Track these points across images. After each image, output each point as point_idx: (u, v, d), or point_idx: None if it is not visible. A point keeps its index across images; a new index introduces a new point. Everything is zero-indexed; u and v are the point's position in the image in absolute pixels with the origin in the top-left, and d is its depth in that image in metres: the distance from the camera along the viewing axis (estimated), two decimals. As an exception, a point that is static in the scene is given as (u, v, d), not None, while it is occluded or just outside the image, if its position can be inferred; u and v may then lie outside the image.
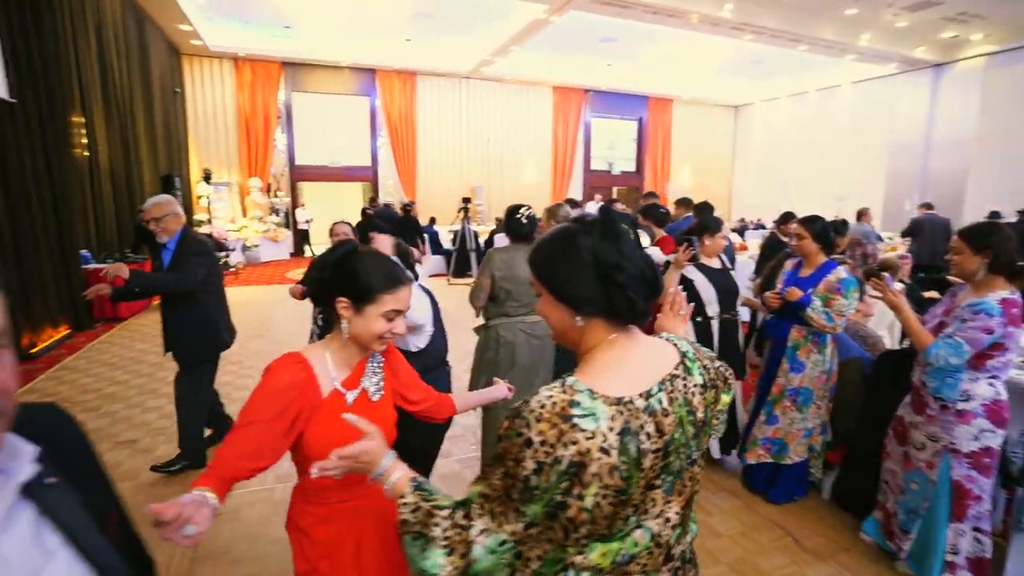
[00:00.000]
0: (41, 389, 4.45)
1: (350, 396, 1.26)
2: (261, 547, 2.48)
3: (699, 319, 2.95)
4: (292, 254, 12.94)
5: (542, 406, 0.85)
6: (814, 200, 13.44)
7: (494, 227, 10.91)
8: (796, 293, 2.68)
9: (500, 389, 1.59)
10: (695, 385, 0.96)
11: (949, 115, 12.02)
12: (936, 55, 11.75)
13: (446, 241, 11.09)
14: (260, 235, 12.13)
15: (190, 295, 2.91)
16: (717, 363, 1.04)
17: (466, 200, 10.61)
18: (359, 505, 1.28)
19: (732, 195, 17.99)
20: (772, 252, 5.16)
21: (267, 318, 6.98)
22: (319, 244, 11.99)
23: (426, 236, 10.29)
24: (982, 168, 11.43)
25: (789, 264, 2.95)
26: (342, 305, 1.22)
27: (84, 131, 6.59)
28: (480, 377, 2.81)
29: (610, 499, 0.84)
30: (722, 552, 2.50)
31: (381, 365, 1.36)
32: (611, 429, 0.83)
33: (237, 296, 7.96)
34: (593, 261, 0.90)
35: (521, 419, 0.86)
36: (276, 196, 13.06)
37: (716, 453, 3.28)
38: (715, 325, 2.98)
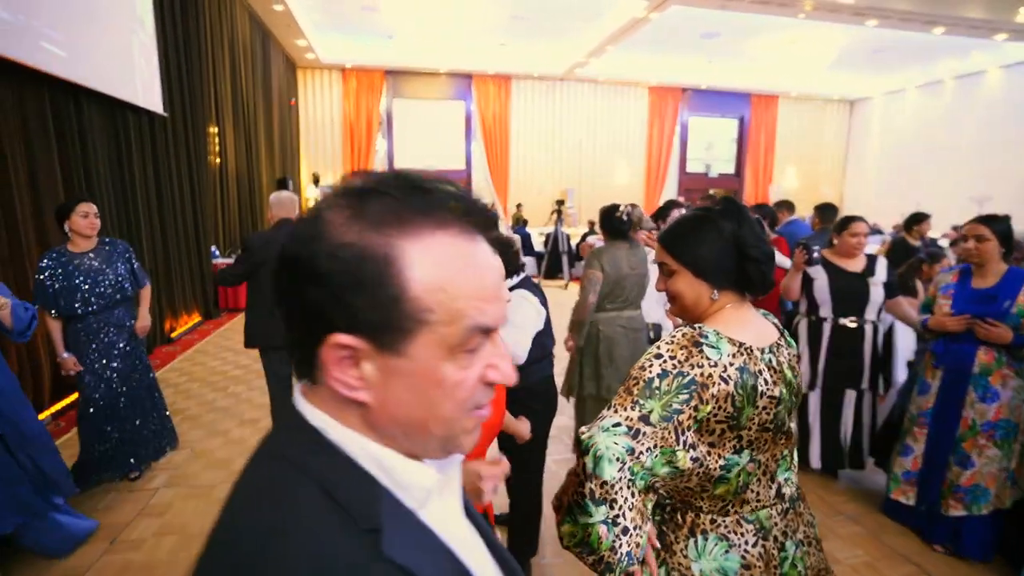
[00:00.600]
0: (180, 369, 4.99)
1: None
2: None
3: (812, 318, 2.95)
4: (389, 254, 13.60)
5: (672, 337, 1.02)
6: (946, 202, 11.98)
7: (586, 231, 10.81)
8: (1005, 334, 2.28)
9: (524, 427, 1.69)
10: (793, 355, 1.15)
11: None
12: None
13: (538, 243, 11.14)
14: (361, 235, 12.87)
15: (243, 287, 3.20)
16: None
17: (559, 203, 10.61)
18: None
19: (844, 198, 16.49)
20: (899, 258, 4.71)
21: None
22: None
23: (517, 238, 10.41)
24: None
25: (948, 276, 2.56)
26: None
27: (217, 140, 7.34)
28: (576, 371, 2.82)
29: (721, 420, 0.99)
30: (844, 584, 2.28)
31: None
32: (731, 364, 0.99)
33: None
34: (733, 241, 1.07)
35: (652, 348, 1.03)
36: (376, 198, 13.81)
37: (816, 463, 2.99)
38: (826, 327, 2.89)
